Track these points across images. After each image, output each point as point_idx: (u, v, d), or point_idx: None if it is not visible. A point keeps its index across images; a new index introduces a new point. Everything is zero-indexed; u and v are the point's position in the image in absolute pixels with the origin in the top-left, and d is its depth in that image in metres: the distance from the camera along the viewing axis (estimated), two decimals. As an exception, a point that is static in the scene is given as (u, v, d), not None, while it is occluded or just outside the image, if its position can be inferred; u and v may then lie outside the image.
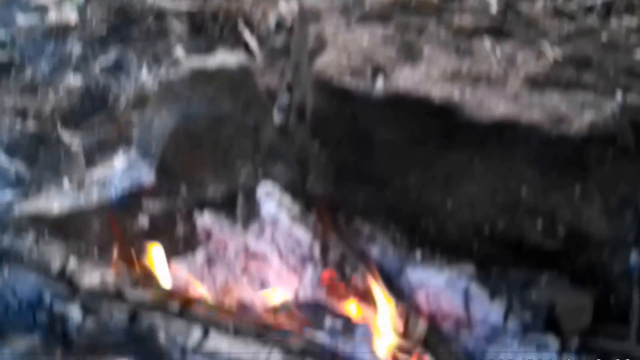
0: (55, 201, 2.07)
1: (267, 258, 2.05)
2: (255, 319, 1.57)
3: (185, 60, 2.66)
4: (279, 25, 2.74)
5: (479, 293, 1.92)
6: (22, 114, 2.58)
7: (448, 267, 1.96)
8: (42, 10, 3.03)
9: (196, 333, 1.50)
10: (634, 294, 1.92)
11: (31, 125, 2.50)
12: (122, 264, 1.70)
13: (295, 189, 2.09)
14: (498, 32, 1.99)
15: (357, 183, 2.02)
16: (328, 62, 1.89)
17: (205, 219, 2.14)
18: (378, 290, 1.91)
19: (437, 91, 1.81)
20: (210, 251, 2.12)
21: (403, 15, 2.03)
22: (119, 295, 1.59)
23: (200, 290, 1.99)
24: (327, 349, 1.46)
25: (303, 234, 1.97)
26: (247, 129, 2.16)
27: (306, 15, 2.09)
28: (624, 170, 1.80)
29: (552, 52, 1.91)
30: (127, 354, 1.59)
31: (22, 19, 3.00)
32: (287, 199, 2.02)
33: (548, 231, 1.87)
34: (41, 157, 2.39)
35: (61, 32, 2.92)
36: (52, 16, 2.99)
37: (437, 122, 1.83)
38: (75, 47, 2.84)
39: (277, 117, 2.23)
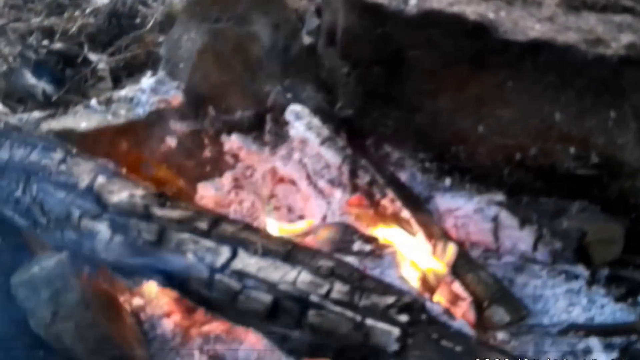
0: (83, 119, 2.06)
1: (295, 182, 2.04)
2: (284, 240, 1.56)
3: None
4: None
5: (508, 221, 1.90)
6: (49, 34, 2.56)
7: (478, 194, 1.95)
8: None
9: (225, 253, 1.49)
10: (667, 224, 1.89)
11: (58, 45, 2.48)
12: (150, 182, 1.70)
13: (324, 113, 2.06)
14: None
15: (386, 107, 2.00)
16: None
17: (232, 142, 2.12)
18: (407, 215, 1.90)
19: (472, 10, 1.78)
20: (238, 175, 2.12)
21: None
22: (147, 214, 1.58)
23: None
24: (356, 271, 1.45)
25: (332, 157, 1.95)
26: (277, 50, 2.13)
27: None
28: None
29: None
30: (154, 274, 1.60)
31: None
32: (316, 121, 1.99)
33: (581, 158, 1.85)
34: (68, 77, 2.38)
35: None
36: None
37: (470, 43, 1.80)
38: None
39: (306, 39, 2.19)
